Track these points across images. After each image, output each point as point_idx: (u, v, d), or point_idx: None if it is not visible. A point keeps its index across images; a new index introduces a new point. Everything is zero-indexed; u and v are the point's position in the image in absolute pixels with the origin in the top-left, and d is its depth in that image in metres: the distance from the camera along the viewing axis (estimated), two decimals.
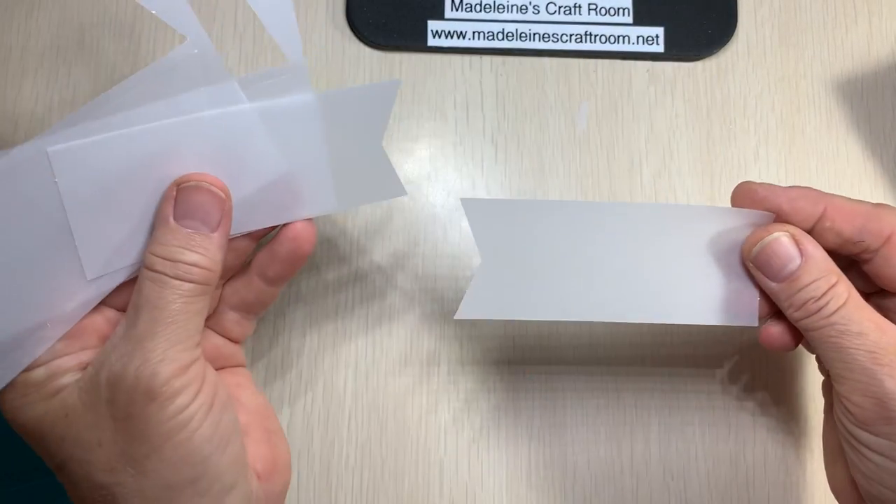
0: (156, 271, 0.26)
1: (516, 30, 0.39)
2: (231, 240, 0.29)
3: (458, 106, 0.39)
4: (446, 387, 0.36)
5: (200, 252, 0.27)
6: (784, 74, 0.40)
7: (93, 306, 0.28)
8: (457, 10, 0.39)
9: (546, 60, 0.39)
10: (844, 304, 0.28)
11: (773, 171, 0.39)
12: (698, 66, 0.40)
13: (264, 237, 0.31)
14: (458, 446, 0.36)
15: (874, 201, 0.30)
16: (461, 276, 0.37)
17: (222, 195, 0.28)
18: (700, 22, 0.40)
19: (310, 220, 0.30)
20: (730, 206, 0.31)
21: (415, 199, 0.38)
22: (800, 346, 0.31)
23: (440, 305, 0.37)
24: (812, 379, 0.37)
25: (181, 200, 0.27)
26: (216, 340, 0.31)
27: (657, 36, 0.39)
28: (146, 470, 0.25)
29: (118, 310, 0.28)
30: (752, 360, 0.37)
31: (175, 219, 0.27)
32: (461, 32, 0.39)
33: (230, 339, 0.32)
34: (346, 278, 0.37)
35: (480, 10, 0.39)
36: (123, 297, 0.28)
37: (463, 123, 0.39)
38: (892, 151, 0.39)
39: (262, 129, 0.29)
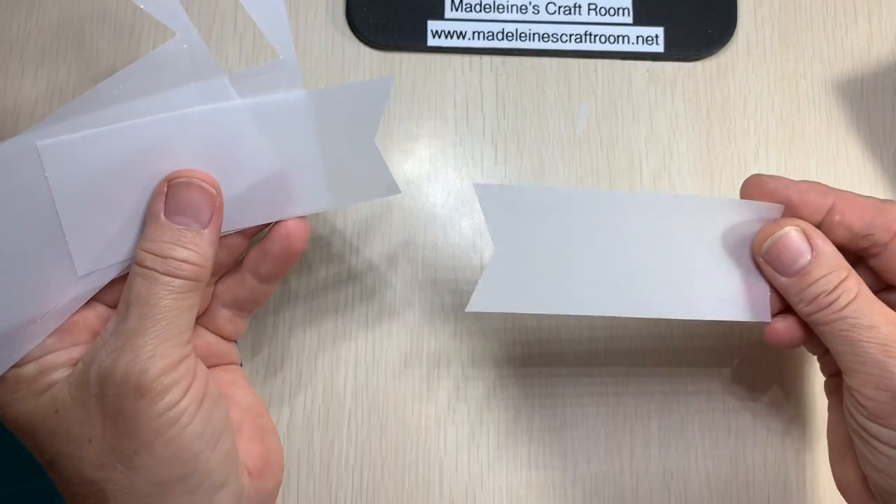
0: (146, 267, 0.26)
1: (516, 30, 0.39)
2: (223, 237, 0.29)
3: (458, 106, 0.39)
4: (446, 386, 0.36)
5: (191, 248, 0.27)
6: (784, 74, 0.40)
7: (83, 302, 0.27)
8: (457, 10, 0.39)
9: (546, 60, 0.40)
10: (855, 297, 0.28)
11: (773, 171, 0.38)
12: (698, 66, 0.40)
13: (257, 234, 0.30)
14: (458, 446, 0.36)
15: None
16: (461, 275, 0.37)
17: (213, 191, 0.27)
18: (700, 22, 0.40)
19: (302, 217, 0.30)
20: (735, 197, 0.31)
21: (415, 199, 0.38)
22: (800, 347, 0.31)
23: (440, 305, 0.37)
24: (812, 380, 0.37)
25: (172, 196, 0.27)
26: (209, 338, 0.31)
27: (657, 36, 0.39)
28: (136, 466, 0.25)
29: (109, 306, 0.28)
30: (753, 361, 0.37)
31: (166, 215, 0.27)
32: (461, 32, 0.39)
33: (223, 337, 0.31)
34: (345, 278, 0.37)
35: (480, 10, 0.39)
36: (115, 294, 0.28)
37: (463, 123, 0.39)
38: (892, 151, 0.39)
39: (253, 126, 0.28)
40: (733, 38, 0.40)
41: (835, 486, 0.33)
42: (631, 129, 0.39)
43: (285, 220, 0.30)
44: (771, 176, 0.30)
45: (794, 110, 0.39)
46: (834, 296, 0.28)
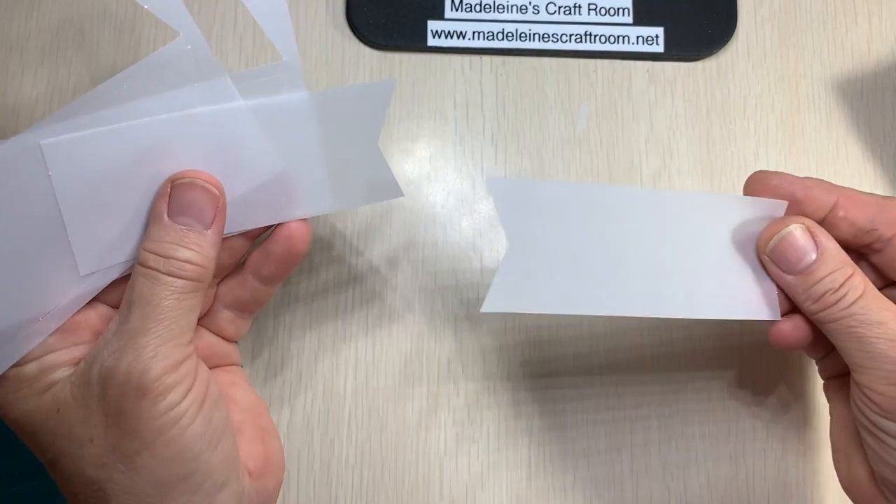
0: (149, 267, 0.26)
1: (516, 30, 0.39)
2: (225, 239, 0.29)
3: (458, 106, 0.39)
4: (446, 386, 0.36)
5: (194, 249, 0.27)
6: (784, 74, 0.40)
7: (86, 302, 0.28)
8: (457, 10, 0.39)
9: (546, 60, 0.40)
10: (863, 294, 0.28)
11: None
12: (698, 66, 0.40)
13: (259, 236, 0.31)
14: (458, 446, 0.36)
15: None
16: (461, 276, 0.37)
17: (216, 192, 0.28)
18: (700, 22, 0.40)
19: (304, 219, 0.30)
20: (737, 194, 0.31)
21: (415, 199, 0.38)
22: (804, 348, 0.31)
23: (440, 305, 0.37)
24: (813, 380, 0.37)
25: (175, 197, 0.27)
26: (210, 339, 0.31)
27: (657, 36, 0.39)
28: (137, 466, 0.25)
29: (111, 306, 0.28)
30: (753, 362, 0.37)
31: (169, 215, 0.27)
32: (461, 32, 0.39)
33: (224, 338, 0.32)
34: (345, 278, 0.37)
35: (480, 10, 0.39)
36: (117, 294, 0.28)
37: (463, 123, 0.39)
38: (892, 151, 0.39)
39: (256, 127, 0.28)
40: (733, 38, 0.40)
41: (835, 487, 0.33)
42: (631, 129, 0.39)
43: (287, 221, 0.30)
44: (775, 172, 0.30)
45: (794, 110, 0.39)
46: (841, 293, 0.28)
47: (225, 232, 0.28)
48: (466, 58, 0.39)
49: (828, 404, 0.33)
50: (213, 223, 0.27)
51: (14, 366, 0.27)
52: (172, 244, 0.27)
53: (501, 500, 0.36)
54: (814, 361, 0.34)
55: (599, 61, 0.40)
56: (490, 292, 0.27)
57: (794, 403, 0.37)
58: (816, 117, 0.40)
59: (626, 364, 0.37)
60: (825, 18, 0.40)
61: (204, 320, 0.31)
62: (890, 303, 0.28)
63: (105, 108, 0.27)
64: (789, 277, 0.29)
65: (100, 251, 0.27)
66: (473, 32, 0.39)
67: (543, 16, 0.39)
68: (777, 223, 0.29)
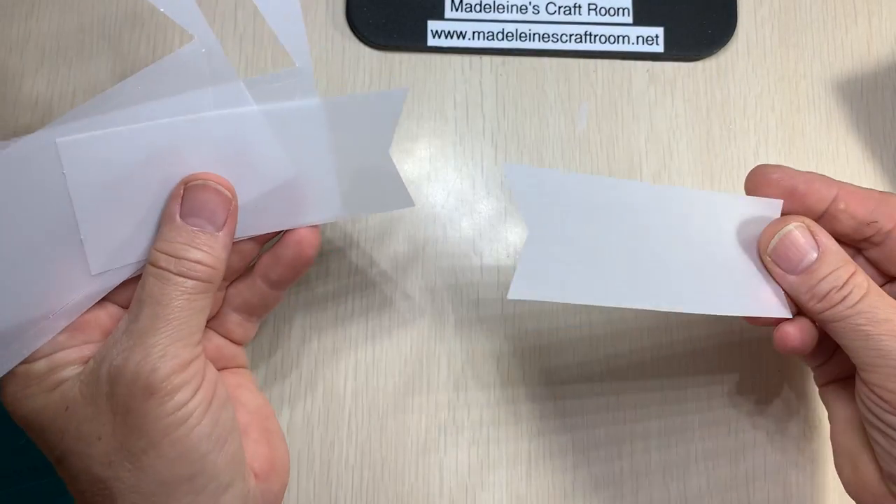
0: (160, 267, 0.27)
1: (516, 30, 0.39)
2: (235, 242, 0.29)
3: (458, 106, 0.39)
4: (446, 386, 0.36)
5: (205, 250, 0.27)
6: (784, 74, 0.40)
7: (96, 301, 0.28)
8: (457, 10, 0.39)
9: (546, 60, 0.40)
10: (868, 292, 0.28)
11: None
12: (698, 66, 0.40)
13: (269, 240, 0.31)
14: (458, 446, 0.36)
15: None
16: (461, 275, 0.37)
17: (228, 195, 0.28)
18: (700, 22, 0.40)
19: (314, 225, 0.30)
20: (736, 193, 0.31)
21: (415, 199, 0.38)
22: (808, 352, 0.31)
23: (440, 305, 0.37)
24: (812, 380, 0.37)
25: (188, 199, 0.27)
26: (218, 341, 0.31)
27: (657, 36, 0.39)
28: (143, 465, 0.26)
29: (121, 306, 0.29)
30: (753, 362, 0.38)
31: (181, 216, 0.27)
32: (461, 32, 0.39)
33: (232, 341, 0.32)
34: (345, 278, 0.37)
35: (480, 10, 0.39)
36: (127, 294, 0.28)
37: (463, 123, 0.39)
38: (892, 151, 0.39)
39: (268, 132, 0.29)
40: (733, 38, 0.40)
41: (835, 487, 0.33)
42: (631, 129, 0.39)
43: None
44: (776, 166, 0.30)
45: (794, 110, 0.40)
46: (846, 291, 0.28)
47: (235, 236, 0.29)
48: (466, 58, 0.39)
49: (826, 409, 0.33)
50: (224, 225, 0.28)
51: (23, 363, 0.27)
52: (184, 245, 0.27)
53: (501, 500, 0.36)
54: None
55: (599, 61, 0.40)
56: (514, 279, 0.28)
57: (795, 403, 0.37)
58: (816, 117, 0.40)
59: (626, 364, 0.37)
60: (825, 18, 0.40)
61: (212, 322, 0.31)
62: (892, 300, 0.28)
63: (120, 109, 0.27)
64: (792, 278, 0.29)
65: (111, 251, 0.28)
66: (473, 32, 0.39)
67: (543, 16, 0.39)
68: (776, 223, 0.30)
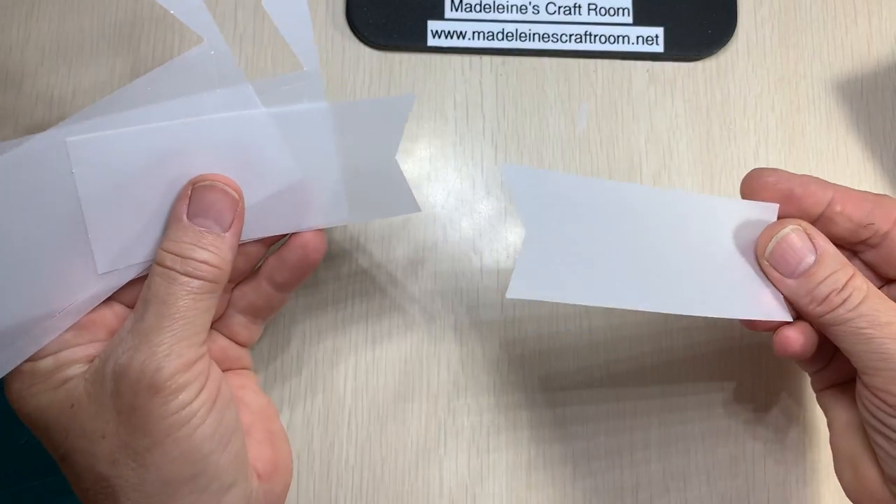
0: (166, 267, 0.27)
1: (516, 30, 0.39)
2: (241, 245, 0.29)
3: (458, 106, 0.39)
4: (446, 386, 0.36)
5: (211, 250, 0.27)
6: (784, 74, 0.40)
7: (102, 300, 0.28)
8: (457, 10, 0.39)
9: (546, 60, 0.40)
10: (868, 295, 0.28)
11: None
12: (698, 66, 0.40)
13: (275, 243, 0.31)
14: (458, 446, 0.36)
15: None
16: (461, 275, 0.37)
17: (236, 196, 0.28)
18: (700, 22, 0.40)
19: (320, 229, 0.30)
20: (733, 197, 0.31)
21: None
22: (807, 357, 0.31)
23: (440, 305, 0.37)
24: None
25: (195, 199, 0.28)
26: (223, 343, 0.32)
27: (657, 36, 0.39)
28: (147, 464, 0.26)
29: (127, 306, 0.29)
30: (753, 362, 0.38)
31: (188, 217, 0.27)
32: (461, 32, 0.39)
33: (237, 343, 0.32)
34: (345, 277, 0.37)
35: (480, 10, 0.39)
36: (133, 294, 0.28)
37: (463, 123, 0.39)
38: (892, 151, 0.39)
39: (276, 135, 0.29)
40: (733, 38, 0.40)
41: (835, 488, 0.33)
42: (631, 129, 0.39)
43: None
44: (771, 169, 0.30)
45: (794, 110, 0.40)
46: (846, 293, 0.28)
47: (242, 238, 0.29)
48: (466, 58, 0.39)
49: (824, 414, 0.32)
50: (231, 226, 0.28)
51: (29, 360, 0.27)
52: (190, 245, 0.27)
53: (501, 500, 0.36)
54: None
55: (599, 61, 0.40)
56: (513, 278, 0.28)
57: (795, 404, 0.37)
58: (816, 117, 0.40)
59: (626, 364, 0.37)
60: (825, 18, 0.41)
61: (218, 324, 0.32)
62: (893, 303, 0.28)
63: (129, 109, 0.27)
64: (790, 281, 0.29)
65: (118, 250, 0.28)
66: (473, 32, 0.39)
67: (543, 16, 0.39)
68: (773, 227, 0.29)
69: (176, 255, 0.27)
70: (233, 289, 0.31)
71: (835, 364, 0.31)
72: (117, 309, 0.29)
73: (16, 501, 0.38)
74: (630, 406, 0.37)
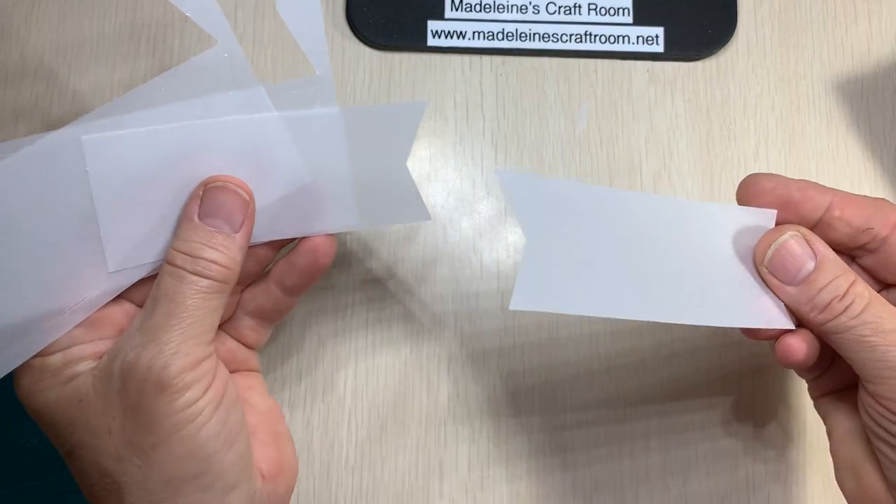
0: (176, 266, 0.27)
1: (516, 30, 0.39)
2: (251, 247, 0.30)
3: (458, 106, 0.39)
4: (446, 386, 0.37)
5: (221, 250, 0.28)
6: (784, 74, 0.40)
7: (111, 298, 0.29)
8: (457, 10, 0.39)
9: (546, 60, 0.40)
10: (870, 301, 0.27)
11: (773, 172, 0.39)
12: (698, 66, 0.40)
13: (285, 246, 0.31)
14: (458, 446, 0.36)
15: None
16: (461, 276, 0.37)
17: (247, 198, 0.29)
18: (700, 22, 0.40)
19: (330, 234, 0.31)
20: (730, 203, 0.30)
21: None
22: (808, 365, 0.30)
23: (440, 305, 0.37)
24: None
25: (207, 199, 0.28)
26: (231, 344, 0.32)
27: (657, 36, 0.40)
28: (151, 461, 0.26)
29: (137, 304, 0.29)
30: (753, 363, 0.38)
31: (199, 217, 0.28)
32: (461, 32, 0.39)
33: (245, 345, 0.33)
34: (345, 278, 0.37)
35: (480, 10, 0.39)
36: (143, 292, 0.29)
37: (463, 123, 0.39)
38: (892, 151, 0.39)
39: (287, 138, 0.29)
40: (733, 38, 0.40)
41: (834, 490, 0.33)
42: (631, 129, 0.39)
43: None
44: (768, 174, 0.30)
45: (794, 110, 0.40)
46: (847, 300, 0.27)
47: (251, 240, 0.29)
48: (466, 58, 0.39)
49: (823, 422, 0.32)
50: (241, 227, 0.28)
51: (38, 355, 0.27)
52: (201, 244, 0.27)
53: (501, 500, 0.36)
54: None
55: (599, 61, 0.40)
56: (516, 290, 0.27)
57: (795, 404, 0.37)
58: (816, 117, 0.40)
59: (626, 364, 0.37)
60: (825, 18, 0.41)
61: (226, 326, 0.32)
62: (893, 308, 0.28)
63: (143, 109, 0.28)
64: (790, 289, 0.29)
65: (129, 249, 0.28)
66: (473, 32, 0.39)
67: (543, 16, 0.39)
68: (771, 233, 0.29)
69: (186, 254, 0.27)
70: (242, 291, 0.32)
71: (834, 370, 0.31)
72: (127, 307, 0.29)
73: (16, 501, 0.38)
74: (631, 400, 0.37)
